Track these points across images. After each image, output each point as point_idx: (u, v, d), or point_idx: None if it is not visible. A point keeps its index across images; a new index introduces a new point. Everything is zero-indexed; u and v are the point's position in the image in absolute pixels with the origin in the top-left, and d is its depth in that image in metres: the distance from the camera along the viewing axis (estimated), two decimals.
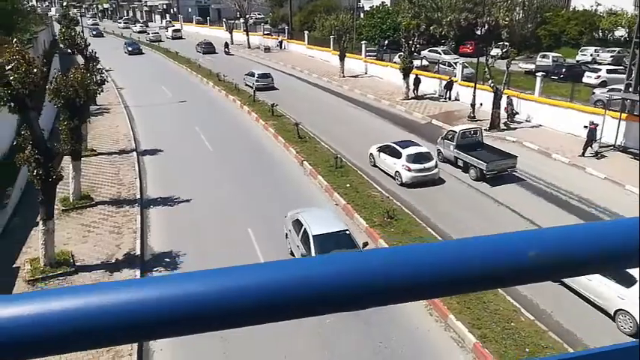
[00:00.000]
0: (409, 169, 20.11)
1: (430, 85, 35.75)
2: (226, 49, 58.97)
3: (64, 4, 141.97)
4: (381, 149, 21.86)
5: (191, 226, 17.72)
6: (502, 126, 27.21)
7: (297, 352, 11.52)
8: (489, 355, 11.03)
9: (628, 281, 11.90)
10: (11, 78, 12.55)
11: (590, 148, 22.38)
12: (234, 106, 34.71)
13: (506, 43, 46.89)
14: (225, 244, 16.35)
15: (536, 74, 28.76)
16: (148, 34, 73.75)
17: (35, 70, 12.73)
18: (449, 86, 33.71)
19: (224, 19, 73.08)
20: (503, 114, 27.54)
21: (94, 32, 74.41)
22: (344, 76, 42.50)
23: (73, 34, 24.97)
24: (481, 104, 28.92)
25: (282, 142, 25.93)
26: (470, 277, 0.72)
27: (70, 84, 16.95)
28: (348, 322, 12.36)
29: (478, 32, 42.75)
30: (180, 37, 74.01)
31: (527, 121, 28.12)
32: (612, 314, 12.34)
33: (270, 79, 38.61)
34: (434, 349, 11.66)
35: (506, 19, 38.97)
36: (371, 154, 22.66)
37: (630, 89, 22.97)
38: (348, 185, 20.16)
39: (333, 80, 41.69)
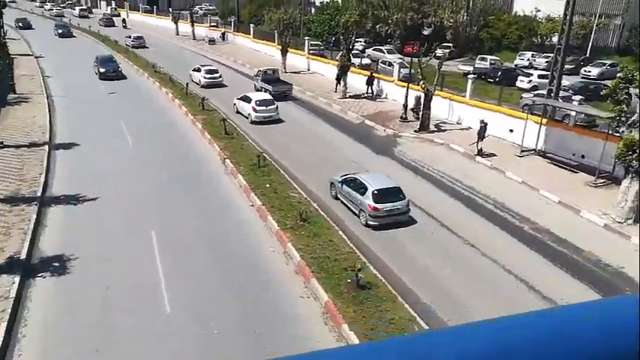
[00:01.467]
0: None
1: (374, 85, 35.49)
2: (124, 25, 68.69)
3: None
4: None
5: (92, 227, 16.55)
6: (432, 127, 27.19)
7: None
8: None
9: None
10: None
11: (478, 144, 23.02)
12: (167, 98, 33.32)
13: (449, 45, 47.99)
14: (124, 247, 15.34)
15: (468, 76, 28.85)
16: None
17: None
18: (370, 81, 33.95)
19: (170, 9, 70.67)
20: (434, 114, 27.53)
21: (20, 24, 65.52)
22: (285, 72, 41.66)
23: None
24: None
25: (207, 137, 24.92)
26: None
27: None
28: (236, 335, 11.71)
29: (425, 32, 43.05)
30: (87, 17, 79.40)
31: (457, 123, 28.24)
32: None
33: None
34: None
35: (451, 20, 39.48)
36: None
37: (552, 95, 23.31)
38: (267, 185, 19.45)
39: None
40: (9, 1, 71.30)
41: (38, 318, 12.17)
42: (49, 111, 29.24)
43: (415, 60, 28.13)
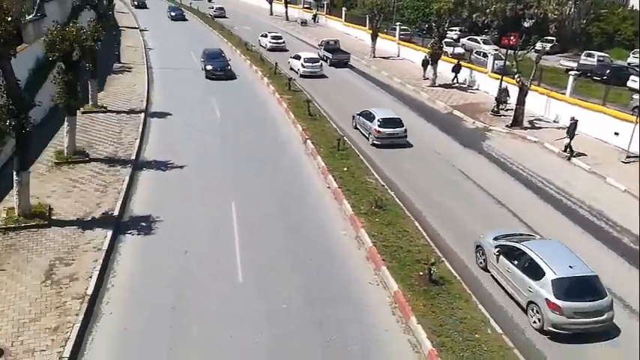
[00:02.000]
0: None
1: (462, 74, 34.18)
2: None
3: None
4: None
5: (178, 192, 17.42)
6: (526, 124, 25.61)
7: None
8: None
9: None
10: None
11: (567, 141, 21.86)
12: (256, 77, 34.12)
13: (552, 38, 44.78)
14: (205, 215, 16.02)
15: (569, 73, 26.75)
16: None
17: (9, 19, 12.40)
18: (456, 69, 33.13)
19: None
20: (529, 110, 25.93)
21: (136, 3, 68.74)
22: (374, 57, 41.20)
23: None
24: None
25: (292, 118, 25.24)
26: None
27: (66, 38, 16.72)
28: (300, 315, 11.84)
29: (525, 24, 40.51)
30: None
31: (554, 121, 26.37)
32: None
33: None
34: (387, 350, 10.95)
35: (556, 12, 36.75)
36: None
37: None
38: (345, 169, 19.37)
39: (362, 59, 40.46)
40: None
41: (125, 271, 13.05)
42: (148, 81, 31.04)
43: (511, 52, 26.48)
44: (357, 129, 24.21)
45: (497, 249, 13.06)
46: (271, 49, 42.21)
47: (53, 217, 14.81)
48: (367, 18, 45.65)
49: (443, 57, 33.81)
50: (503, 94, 27.43)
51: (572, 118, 21.93)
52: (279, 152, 21.53)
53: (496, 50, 36.60)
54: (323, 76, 34.60)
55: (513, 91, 26.77)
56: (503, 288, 12.90)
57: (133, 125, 23.22)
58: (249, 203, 16.84)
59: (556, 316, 11.09)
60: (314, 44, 45.52)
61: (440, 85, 32.90)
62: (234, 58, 37.29)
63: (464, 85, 33.28)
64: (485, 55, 35.35)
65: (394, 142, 22.34)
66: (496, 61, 31.94)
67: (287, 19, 60.91)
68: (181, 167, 19.36)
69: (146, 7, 66.90)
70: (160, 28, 51.73)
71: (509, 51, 27.18)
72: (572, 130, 21.59)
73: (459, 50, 39.87)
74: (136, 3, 67.87)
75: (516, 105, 25.63)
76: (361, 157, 20.90)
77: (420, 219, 16.28)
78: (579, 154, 21.79)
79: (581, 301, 11.21)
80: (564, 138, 22.09)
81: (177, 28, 54.06)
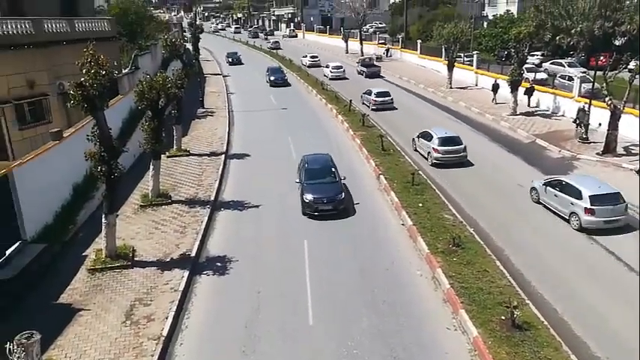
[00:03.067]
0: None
1: (545, 100, 32.43)
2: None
3: (205, 14, 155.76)
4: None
5: (253, 233, 17.73)
6: (620, 150, 23.49)
7: None
8: None
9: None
10: (82, 79, 13.54)
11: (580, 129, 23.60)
12: (331, 115, 34.55)
13: None
14: (278, 255, 16.10)
15: None
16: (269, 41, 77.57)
17: (104, 73, 13.57)
18: (529, 92, 32.75)
19: (341, 28, 73.90)
20: (623, 135, 23.81)
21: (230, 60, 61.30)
22: (451, 87, 40.36)
23: (173, 41, 26.78)
24: (600, 124, 25.37)
25: (365, 153, 25.12)
26: None
27: (153, 87, 18.01)
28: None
29: (616, 43, 37.79)
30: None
31: None
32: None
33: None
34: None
35: None
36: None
37: None
38: (420, 205, 18.74)
39: (438, 91, 39.78)
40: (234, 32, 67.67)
41: (200, 311, 13.33)
42: (229, 124, 32.53)
43: (601, 73, 24.66)
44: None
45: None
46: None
47: (136, 258, 15.63)
48: (443, 49, 45.10)
49: (523, 83, 32.32)
50: (580, 114, 25.66)
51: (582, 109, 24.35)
52: (351, 186, 21.36)
53: (583, 73, 34.37)
54: (393, 108, 34.84)
55: (601, 114, 24.77)
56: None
57: (213, 167, 24.26)
58: (320, 242, 16.73)
59: (437, 155, 22.14)
60: (392, 80, 45.72)
61: (521, 114, 31.37)
62: (309, 97, 38.06)
63: (542, 111, 31.52)
64: (570, 79, 33.29)
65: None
66: (583, 85, 29.92)
67: (362, 55, 61.74)
68: (257, 206, 19.78)
69: (241, 63, 60.64)
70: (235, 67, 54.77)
71: (598, 72, 25.38)
72: (582, 118, 23.69)
73: (542, 75, 37.91)
74: (230, 60, 60.75)
75: (608, 130, 23.64)
76: (437, 191, 20.17)
77: (501, 258, 15.23)
78: None
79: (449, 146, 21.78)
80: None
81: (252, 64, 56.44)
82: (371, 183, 21.94)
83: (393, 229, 17.65)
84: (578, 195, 16.94)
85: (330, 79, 46.58)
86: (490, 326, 11.86)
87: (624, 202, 16.80)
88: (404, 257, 15.72)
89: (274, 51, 69.77)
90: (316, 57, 56.35)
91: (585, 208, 16.48)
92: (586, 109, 25.53)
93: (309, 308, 13.17)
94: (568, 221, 17.29)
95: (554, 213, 18.03)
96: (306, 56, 57.29)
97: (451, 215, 18.02)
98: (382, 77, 47.15)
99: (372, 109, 34.42)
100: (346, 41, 66.93)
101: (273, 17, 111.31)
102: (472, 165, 23.43)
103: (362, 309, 13.11)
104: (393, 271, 14.93)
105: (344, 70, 48.17)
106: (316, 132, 30.22)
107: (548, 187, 18.46)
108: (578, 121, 25.86)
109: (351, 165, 24.19)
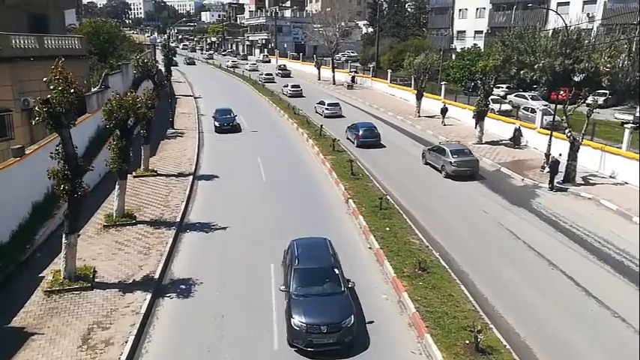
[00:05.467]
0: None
1: (506, 130, 33.53)
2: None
3: (179, 37, 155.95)
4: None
5: (218, 255, 17.46)
6: (579, 179, 24.38)
7: None
8: None
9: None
10: (49, 96, 13.29)
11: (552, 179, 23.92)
12: (301, 139, 34.78)
13: (605, 92, 43.39)
14: (243, 280, 15.84)
15: (624, 126, 25.54)
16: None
17: (72, 90, 13.35)
18: (443, 111, 38.17)
19: (314, 56, 75.11)
20: (582, 166, 24.73)
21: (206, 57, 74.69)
22: (419, 116, 41.32)
23: (145, 61, 26.67)
24: (560, 154, 26.32)
25: (334, 177, 25.29)
26: None
27: (123, 106, 17.80)
28: None
29: (576, 79, 39.62)
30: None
31: (611, 177, 25.00)
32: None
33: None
34: None
35: (609, 65, 35.88)
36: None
37: None
38: (387, 229, 18.91)
39: (407, 119, 40.64)
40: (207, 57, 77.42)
41: (161, 336, 12.94)
42: (199, 146, 32.31)
43: (561, 107, 25.77)
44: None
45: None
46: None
47: (97, 280, 15.14)
48: (412, 79, 46.27)
49: (489, 114, 33.36)
50: (516, 133, 30.99)
51: (552, 157, 24.50)
52: (319, 212, 21.40)
53: (545, 106, 35.80)
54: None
55: (563, 147, 25.76)
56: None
57: (180, 188, 23.93)
58: None
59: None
60: (362, 107, 46.42)
61: (487, 142, 32.31)
62: (279, 120, 38.15)
63: (506, 141, 32.57)
64: (533, 111, 34.61)
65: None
66: (545, 117, 31.14)
67: (334, 82, 62.74)
68: (224, 228, 19.57)
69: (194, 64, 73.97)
70: (208, 89, 54.56)
71: (558, 106, 26.47)
72: (554, 167, 23.71)
73: (506, 107, 39.28)
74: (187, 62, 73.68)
75: (567, 161, 24.56)
76: (404, 216, 20.41)
77: (466, 282, 15.43)
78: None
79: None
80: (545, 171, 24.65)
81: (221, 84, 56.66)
82: (340, 207, 22.03)
83: (361, 253, 17.70)
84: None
85: (289, 96, 52.31)
86: (454, 350, 11.93)
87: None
88: (370, 281, 15.72)
89: (251, 74, 70.17)
90: (298, 86, 54.11)
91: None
92: (522, 129, 31.45)
93: (274, 333, 12.97)
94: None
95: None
96: (287, 86, 55.06)
97: (417, 239, 18.21)
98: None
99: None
100: (319, 68, 67.97)
101: (247, 42, 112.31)
102: (437, 194, 23.89)
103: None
104: (359, 294, 14.89)
105: (301, 90, 53.75)
106: (287, 153, 30.36)
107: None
108: (514, 140, 31.13)
109: (320, 189, 24.33)
